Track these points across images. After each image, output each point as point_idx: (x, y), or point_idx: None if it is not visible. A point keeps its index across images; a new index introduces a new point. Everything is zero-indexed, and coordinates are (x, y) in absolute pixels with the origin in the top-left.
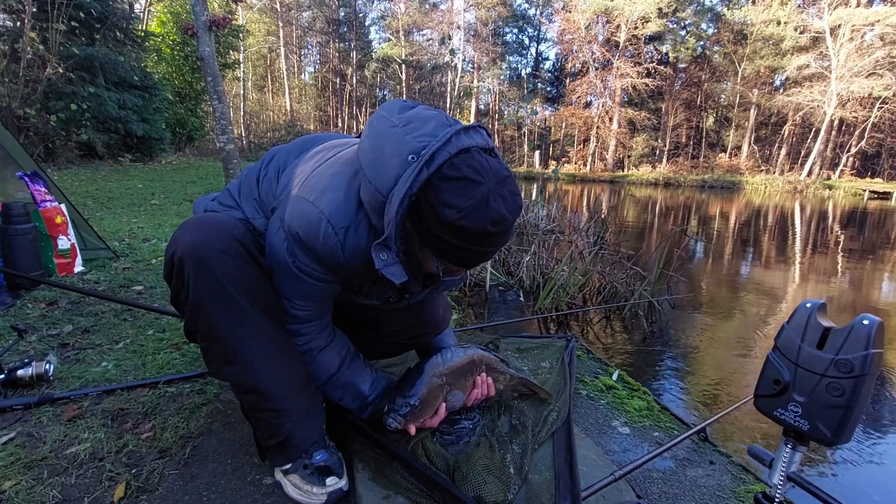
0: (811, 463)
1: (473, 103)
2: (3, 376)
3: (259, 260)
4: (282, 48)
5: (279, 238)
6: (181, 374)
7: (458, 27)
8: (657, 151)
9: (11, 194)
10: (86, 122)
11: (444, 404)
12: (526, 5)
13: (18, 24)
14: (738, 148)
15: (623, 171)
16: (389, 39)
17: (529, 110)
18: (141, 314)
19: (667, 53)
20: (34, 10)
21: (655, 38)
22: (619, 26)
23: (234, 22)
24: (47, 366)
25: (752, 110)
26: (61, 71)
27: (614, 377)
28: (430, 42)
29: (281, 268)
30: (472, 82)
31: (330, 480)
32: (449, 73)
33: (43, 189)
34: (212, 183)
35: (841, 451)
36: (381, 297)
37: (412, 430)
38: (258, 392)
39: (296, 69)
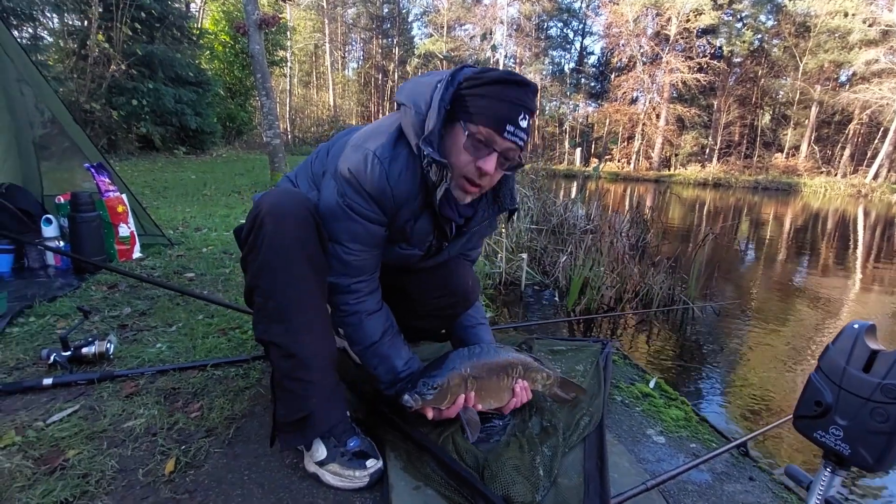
0: (852, 488)
1: None
2: (69, 353)
3: (322, 234)
4: (327, 44)
5: (331, 187)
6: (227, 359)
7: (501, 22)
8: (707, 150)
9: (79, 184)
10: (145, 116)
11: (463, 396)
12: None
13: (86, 23)
14: (797, 148)
15: (669, 170)
16: (431, 35)
17: (572, 106)
18: (191, 299)
19: (721, 47)
20: (100, 10)
21: (709, 31)
22: (669, 19)
23: (281, 20)
24: (108, 345)
25: (812, 108)
26: (124, 68)
27: (651, 384)
28: (472, 37)
29: (332, 211)
30: None
31: (370, 462)
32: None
33: (107, 179)
34: (258, 175)
35: (883, 478)
36: (423, 242)
37: (429, 413)
38: (296, 357)
39: (340, 65)
